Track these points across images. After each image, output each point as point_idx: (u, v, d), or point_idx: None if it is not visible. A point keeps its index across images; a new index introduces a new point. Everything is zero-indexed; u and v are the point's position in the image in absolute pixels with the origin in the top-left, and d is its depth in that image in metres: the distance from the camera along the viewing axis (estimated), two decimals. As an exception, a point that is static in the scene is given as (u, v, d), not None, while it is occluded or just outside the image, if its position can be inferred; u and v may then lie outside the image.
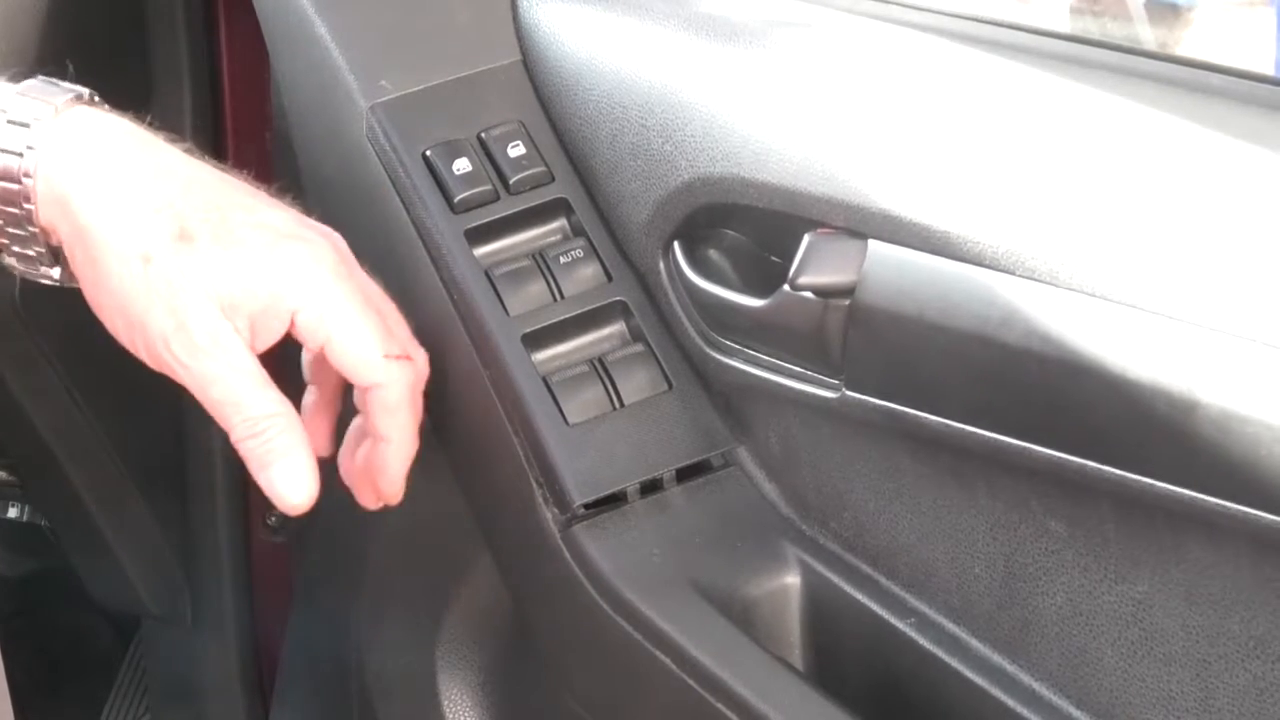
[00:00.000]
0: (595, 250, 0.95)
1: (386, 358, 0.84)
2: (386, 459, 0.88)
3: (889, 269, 0.82)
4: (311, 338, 0.84)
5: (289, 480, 0.83)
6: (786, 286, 0.86)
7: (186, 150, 0.86)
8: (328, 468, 0.95)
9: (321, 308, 0.83)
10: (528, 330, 0.92)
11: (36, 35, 1.05)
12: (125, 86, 1.16)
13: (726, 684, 0.84)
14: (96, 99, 0.86)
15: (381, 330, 0.85)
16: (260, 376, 0.83)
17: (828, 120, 0.87)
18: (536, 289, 0.94)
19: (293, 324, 0.83)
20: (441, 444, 1.00)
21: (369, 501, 0.90)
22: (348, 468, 0.91)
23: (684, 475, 0.92)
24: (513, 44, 1.00)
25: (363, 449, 0.90)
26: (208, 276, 0.81)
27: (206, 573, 1.26)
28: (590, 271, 0.95)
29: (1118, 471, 0.75)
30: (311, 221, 0.87)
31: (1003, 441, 0.79)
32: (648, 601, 0.87)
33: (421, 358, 0.88)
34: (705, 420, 0.93)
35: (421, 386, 0.88)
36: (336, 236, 0.87)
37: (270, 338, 0.83)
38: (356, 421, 0.90)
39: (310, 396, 0.91)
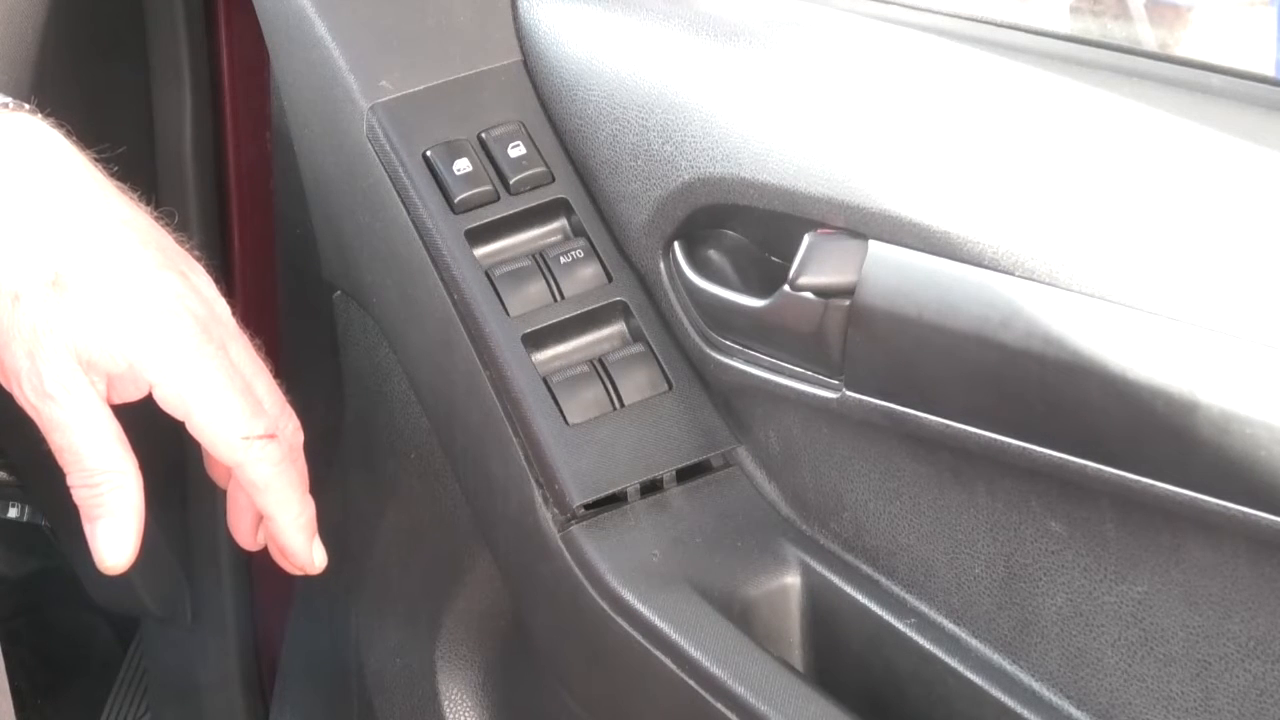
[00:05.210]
0: (595, 250, 0.95)
1: (245, 439, 0.82)
2: (279, 535, 0.86)
3: (889, 269, 0.82)
4: (170, 411, 0.82)
5: (108, 540, 0.81)
6: (787, 287, 0.86)
7: (95, 163, 0.84)
8: (321, 467, 0.95)
9: (180, 385, 0.81)
10: (528, 330, 0.92)
11: (36, 35, 1.04)
12: (125, 86, 1.16)
13: (726, 684, 0.84)
14: (27, 107, 0.85)
15: (243, 408, 0.82)
16: (107, 430, 0.81)
17: (828, 121, 0.87)
18: (537, 289, 0.94)
19: (152, 393, 0.82)
20: (441, 444, 1.00)
21: (294, 570, 0.89)
22: (245, 542, 0.89)
23: (684, 475, 0.92)
24: (513, 44, 1.00)
25: (263, 528, 0.88)
26: (71, 329, 0.80)
27: (206, 573, 1.26)
28: (590, 272, 0.95)
29: (1118, 471, 0.75)
30: (188, 265, 0.85)
31: (1003, 441, 0.79)
32: (647, 601, 0.87)
33: (291, 427, 0.86)
34: (705, 420, 0.93)
35: (294, 456, 0.85)
36: (207, 288, 0.85)
37: (128, 397, 0.82)
38: (232, 488, 0.88)
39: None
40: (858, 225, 0.83)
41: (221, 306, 0.85)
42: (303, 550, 0.87)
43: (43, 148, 0.84)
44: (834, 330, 0.84)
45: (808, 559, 0.90)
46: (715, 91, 0.91)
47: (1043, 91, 0.86)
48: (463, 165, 0.95)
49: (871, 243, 0.83)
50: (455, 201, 0.95)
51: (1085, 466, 0.76)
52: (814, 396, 0.87)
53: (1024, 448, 0.78)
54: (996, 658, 0.83)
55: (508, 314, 0.93)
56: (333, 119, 0.99)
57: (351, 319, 1.05)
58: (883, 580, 0.88)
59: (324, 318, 1.08)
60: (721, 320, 0.91)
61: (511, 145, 0.96)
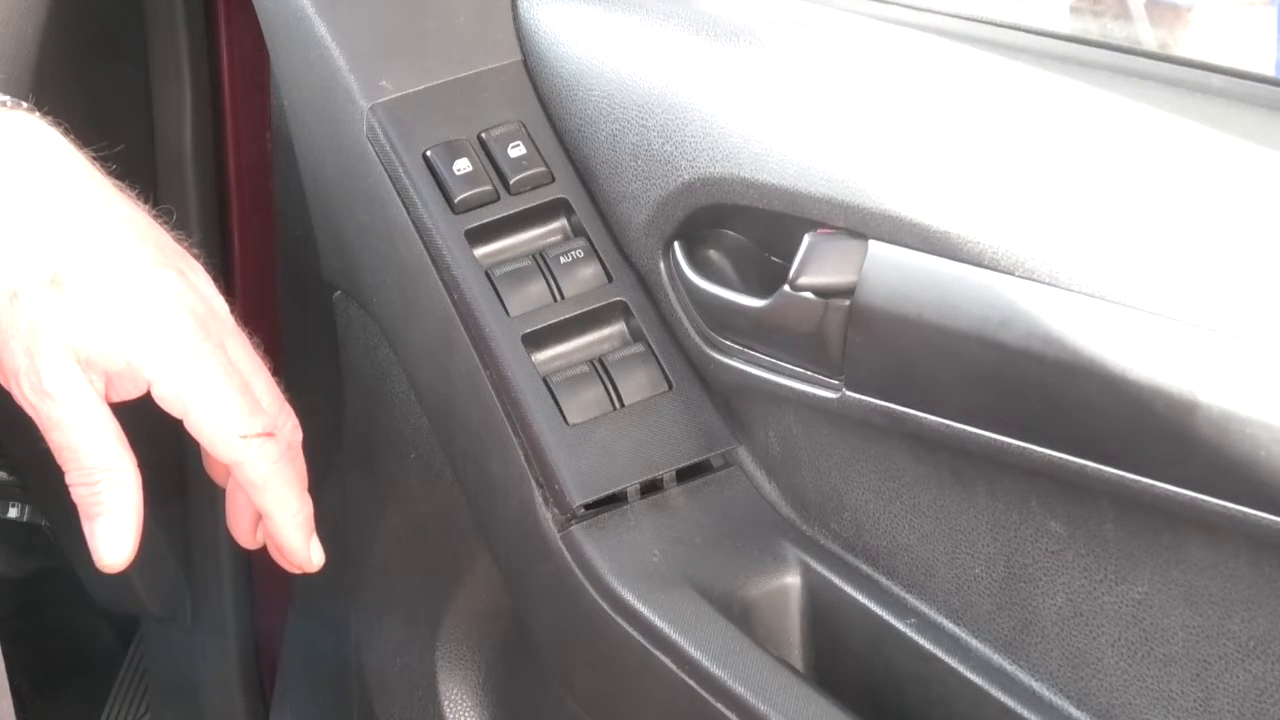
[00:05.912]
0: (595, 250, 0.95)
1: (243, 437, 0.83)
2: (277, 533, 0.86)
3: (889, 269, 0.82)
4: (169, 409, 0.82)
5: (107, 537, 0.81)
6: (787, 287, 0.86)
7: (94, 162, 0.84)
8: (321, 467, 0.95)
9: (179, 383, 0.81)
10: (528, 330, 0.92)
11: (36, 35, 1.04)
12: (125, 86, 1.16)
13: (726, 684, 0.84)
14: (24, 105, 0.85)
15: (241, 406, 0.82)
16: (106, 428, 0.81)
17: (828, 121, 0.87)
18: (537, 289, 0.94)
19: (150, 391, 0.82)
20: (441, 444, 1.00)
21: (292, 569, 0.89)
22: (244, 541, 0.90)
23: (684, 475, 0.92)
24: (513, 44, 1.00)
25: (262, 526, 0.88)
26: (70, 328, 0.80)
27: (206, 573, 1.26)
28: (590, 272, 0.95)
29: (1118, 471, 0.75)
30: (186, 263, 0.85)
31: (1003, 441, 0.79)
32: (647, 601, 0.87)
33: (289, 425, 0.86)
34: (705, 420, 0.93)
35: (293, 454, 0.85)
36: (205, 286, 0.85)
37: (126, 395, 0.82)
38: (231, 486, 0.88)
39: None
40: (858, 225, 0.83)
41: (220, 304, 0.85)
42: (300, 548, 0.87)
43: (40, 145, 0.84)
44: (834, 330, 0.84)
45: (808, 559, 0.89)
46: (715, 91, 0.91)
47: (1043, 91, 0.86)
48: (463, 165, 0.95)
49: (871, 243, 0.83)
50: (455, 201, 0.95)
51: (1085, 466, 0.76)
52: (814, 396, 0.87)
53: (1024, 448, 0.78)
54: (996, 658, 0.83)
55: (508, 314, 0.93)
56: (333, 119, 0.99)
57: (351, 319, 1.05)
58: (883, 580, 0.88)
59: (324, 318, 1.08)
60: (721, 320, 0.91)
61: (511, 145, 0.96)
